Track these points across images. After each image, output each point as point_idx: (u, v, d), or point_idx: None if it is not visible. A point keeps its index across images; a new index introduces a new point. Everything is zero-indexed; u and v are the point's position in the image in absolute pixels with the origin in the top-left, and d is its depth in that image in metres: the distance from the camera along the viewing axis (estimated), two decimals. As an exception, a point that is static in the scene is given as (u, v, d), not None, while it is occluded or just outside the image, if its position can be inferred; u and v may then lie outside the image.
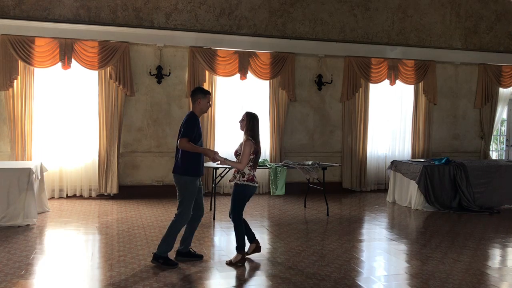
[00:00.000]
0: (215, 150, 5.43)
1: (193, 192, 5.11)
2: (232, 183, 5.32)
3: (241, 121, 5.35)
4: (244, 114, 5.35)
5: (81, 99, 8.85)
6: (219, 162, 5.28)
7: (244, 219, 5.39)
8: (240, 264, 5.19)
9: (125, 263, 5.11)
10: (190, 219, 5.21)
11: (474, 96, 11.24)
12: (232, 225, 5.32)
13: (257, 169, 5.49)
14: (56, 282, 4.60)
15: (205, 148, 5.32)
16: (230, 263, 5.21)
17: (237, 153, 5.35)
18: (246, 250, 5.43)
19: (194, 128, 5.05)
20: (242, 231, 5.28)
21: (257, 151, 5.27)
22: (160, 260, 5.05)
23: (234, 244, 5.21)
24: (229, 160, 5.33)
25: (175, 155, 5.25)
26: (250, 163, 5.24)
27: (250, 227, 5.52)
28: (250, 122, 5.28)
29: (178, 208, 5.11)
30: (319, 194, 8.47)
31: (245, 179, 5.22)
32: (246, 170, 5.24)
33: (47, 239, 6.21)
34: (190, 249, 5.34)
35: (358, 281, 4.81)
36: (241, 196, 5.27)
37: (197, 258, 5.30)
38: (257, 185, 5.33)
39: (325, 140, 10.26)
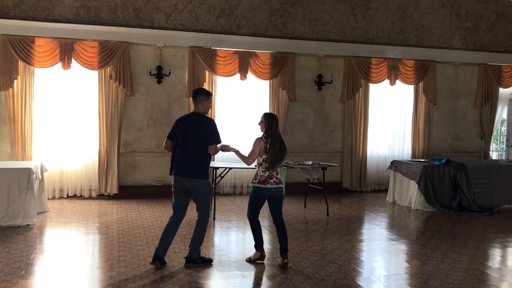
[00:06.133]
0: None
1: (212, 192, 5.21)
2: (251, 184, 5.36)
3: (260, 123, 5.31)
4: (262, 115, 5.30)
5: (81, 99, 8.85)
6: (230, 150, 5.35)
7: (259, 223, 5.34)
8: (260, 261, 5.24)
9: (125, 263, 5.11)
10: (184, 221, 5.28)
11: (474, 96, 11.23)
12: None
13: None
14: (56, 282, 4.60)
15: (222, 145, 5.30)
16: (249, 260, 5.26)
17: None
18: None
19: (218, 132, 5.14)
20: (257, 230, 5.27)
21: (270, 151, 5.11)
22: (198, 261, 5.08)
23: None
24: (239, 152, 5.34)
25: (189, 159, 5.01)
26: (265, 164, 5.13)
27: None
28: (268, 122, 5.20)
29: (202, 213, 5.10)
30: (319, 194, 8.47)
31: (256, 181, 5.17)
32: (260, 172, 5.17)
33: (47, 239, 6.21)
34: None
35: (358, 281, 4.81)
36: (253, 197, 5.21)
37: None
38: (272, 186, 5.14)
39: (325, 140, 10.25)
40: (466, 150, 11.29)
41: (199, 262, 5.08)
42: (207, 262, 5.14)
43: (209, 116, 8.99)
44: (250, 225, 5.31)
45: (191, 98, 9.04)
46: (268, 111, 5.52)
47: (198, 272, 4.92)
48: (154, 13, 8.97)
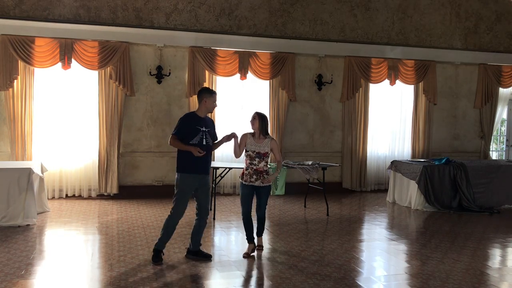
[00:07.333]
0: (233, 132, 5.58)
1: (184, 190, 5.14)
2: (257, 184, 5.50)
3: (252, 120, 5.53)
4: (255, 113, 5.53)
5: (81, 99, 8.84)
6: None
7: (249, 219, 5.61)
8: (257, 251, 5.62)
9: (125, 263, 5.12)
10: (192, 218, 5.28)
11: (474, 96, 11.23)
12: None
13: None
14: (56, 282, 4.60)
15: (187, 145, 5.07)
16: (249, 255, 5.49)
17: (259, 153, 5.47)
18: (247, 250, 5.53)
19: (181, 126, 5.14)
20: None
21: None
22: (153, 252, 5.20)
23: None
24: (277, 170, 5.75)
25: None
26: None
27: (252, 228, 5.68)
28: (263, 122, 5.51)
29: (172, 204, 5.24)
30: (319, 194, 8.47)
31: (268, 180, 5.53)
32: (269, 170, 5.56)
33: (47, 239, 6.21)
34: (200, 249, 5.37)
35: (358, 281, 4.81)
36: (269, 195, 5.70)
37: (205, 258, 5.30)
38: None
39: (325, 140, 10.25)
40: (466, 150, 11.29)
41: (153, 254, 5.17)
42: (154, 261, 5.09)
43: (209, 116, 9.14)
44: (262, 221, 5.61)
45: (191, 98, 9.17)
46: (258, 111, 5.61)
47: (198, 272, 4.92)
48: (154, 13, 8.97)
